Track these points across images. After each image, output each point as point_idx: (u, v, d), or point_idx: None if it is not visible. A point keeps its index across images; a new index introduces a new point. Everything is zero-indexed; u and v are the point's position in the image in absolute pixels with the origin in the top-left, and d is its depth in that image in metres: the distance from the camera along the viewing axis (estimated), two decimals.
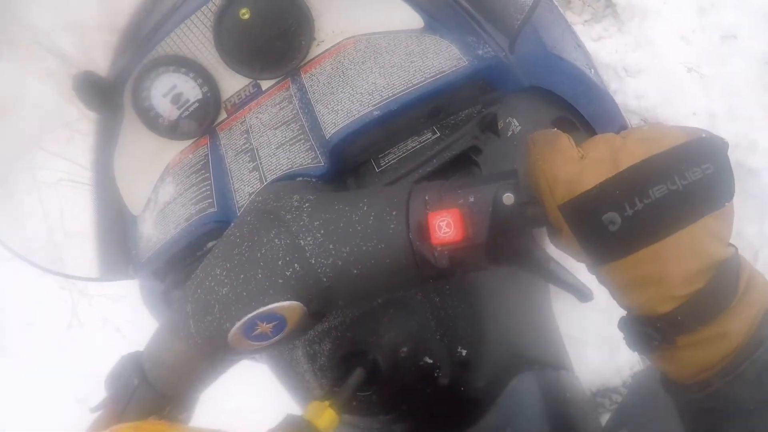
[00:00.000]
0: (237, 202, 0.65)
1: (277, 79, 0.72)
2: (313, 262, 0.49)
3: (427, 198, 0.48)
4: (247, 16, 0.70)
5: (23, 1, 0.71)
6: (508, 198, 0.46)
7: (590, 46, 1.75)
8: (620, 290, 0.46)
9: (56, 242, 0.79)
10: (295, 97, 0.68)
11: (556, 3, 1.80)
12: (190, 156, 0.73)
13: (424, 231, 0.47)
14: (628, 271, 0.44)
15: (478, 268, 0.51)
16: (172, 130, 0.75)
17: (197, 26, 0.70)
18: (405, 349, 0.62)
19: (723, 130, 1.62)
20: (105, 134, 0.76)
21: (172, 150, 0.76)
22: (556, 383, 0.74)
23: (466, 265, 0.49)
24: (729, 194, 0.44)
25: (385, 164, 0.63)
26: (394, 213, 0.49)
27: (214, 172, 0.69)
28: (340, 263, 0.49)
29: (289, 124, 0.67)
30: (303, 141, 0.64)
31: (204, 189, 0.68)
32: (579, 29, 1.78)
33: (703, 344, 0.43)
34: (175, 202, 0.70)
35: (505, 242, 0.48)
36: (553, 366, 0.76)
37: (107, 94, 0.72)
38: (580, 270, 0.50)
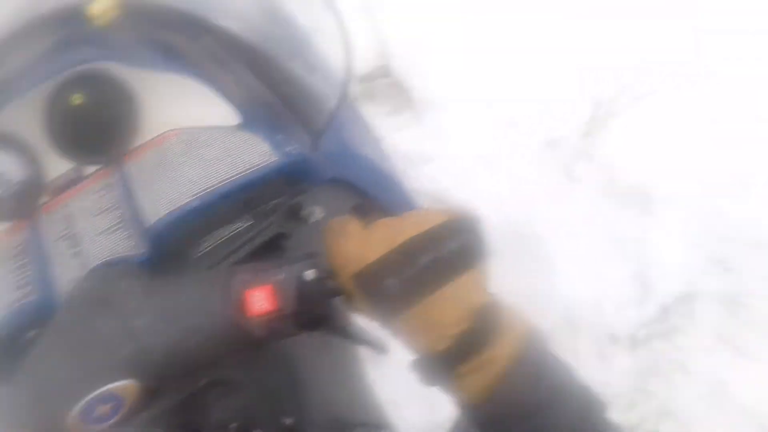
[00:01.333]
0: (58, 288, 0.64)
1: (101, 166, 0.73)
2: (144, 342, 0.53)
3: (243, 278, 0.56)
4: (78, 102, 0.71)
5: None
6: (310, 274, 0.57)
7: (392, 136, 1.87)
8: (407, 338, 0.57)
9: None
10: (118, 185, 0.70)
11: (361, 97, 1.95)
12: (8, 239, 0.71)
13: (242, 305, 0.55)
14: (410, 322, 0.55)
15: (292, 334, 0.58)
16: None
17: (28, 106, 0.71)
18: (234, 425, 0.65)
19: (508, 207, 1.76)
20: None
21: None
22: None
23: (280, 332, 0.57)
24: (482, 256, 0.58)
25: (203, 250, 0.68)
26: (216, 293, 0.56)
27: (33, 257, 0.68)
28: (170, 341, 0.54)
29: (111, 212, 0.68)
30: (124, 229, 0.66)
31: (23, 275, 0.67)
32: (381, 121, 1.92)
33: (478, 370, 0.54)
34: None
35: (311, 310, 0.58)
36: (375, 426, 0.81)
37: None
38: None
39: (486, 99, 1.92)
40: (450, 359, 0.55)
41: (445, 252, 0.55)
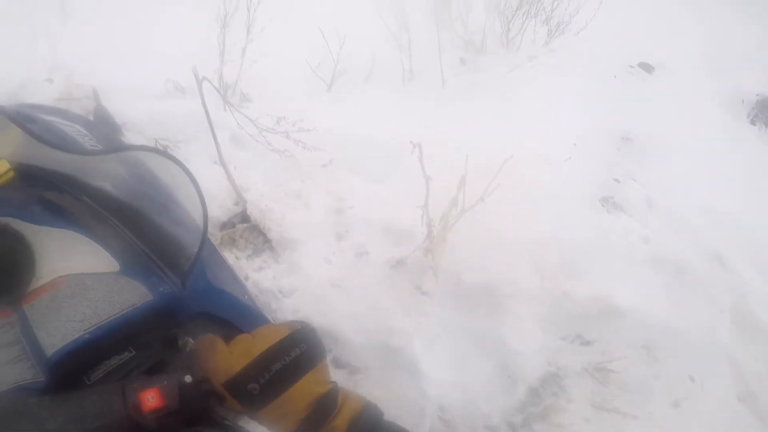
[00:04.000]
0: None
1: (0, 307, 0.83)
2: None
3: (136, 384, 0.71)
4: None
5: None
6: (188, 378, 0.73)
7: (253, 276, 2.02)
8: (269, 425, 0.76)
9: None
10: (17, 323, 0.80)
11: (223, 242, 2.09)
12: None
13: (138, 404, 0.68)
14: (270, 414, 0.74)
15: (178, 427, 0.72)
16: None
17: None
18: None
19: (367, 323, 1.93)
20: None
21: None
22: None
23: (169, 426, 0.71)
24: (320, 358, 0.78)
25: (95, 378, 0.79)
26: (115, 397, 0.69)
27: None
28: None
29: (12, 346, 0.77)
30: (25, 360, 0.76)
31: None
32: (244, 263, 2.06)
33: None
34: None
35: (193, 408, 0.73)
36: None
37: None
38: None
39: (336, 234, 2.13)
40: None
41: (291, 358, 0.75)
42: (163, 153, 0.97)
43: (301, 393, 0.75)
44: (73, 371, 0.78)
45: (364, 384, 1.90)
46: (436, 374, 1.94)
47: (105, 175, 1.03)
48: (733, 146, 3.34)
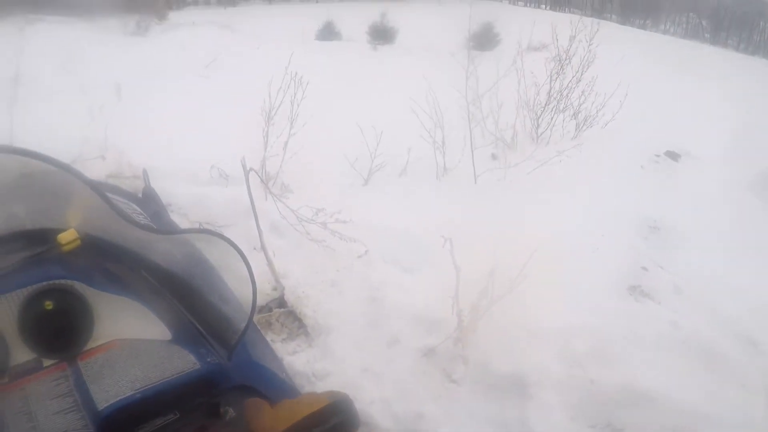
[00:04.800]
0: None
1: (57, 361, 0.92)
2: None
3: None
4: (49, 308, 0.92)
5: None
6: None
7: (287, 359, 2.09)
8: None
9: None
10: (72, 377, 0.88)
11: (260, 325, 2.18)
12: None
13: None
14: None
15: None
16: None
17: (4, 303, 0.89)
18: None
19: (396, 409, 1.96)
20: None
21: None
22: None
23: None
24: (355, 428, 0.82)
25: None
26: None
27: None
28: None
29: (65, 397, 0.85)
30: (76, 411, 0.83)
31: None
32: (278, 346, 2.15)
33: None
34: None
35: None
36: None
37: None
38: None
39: (369, 321, 2.21)
40: None
41: (329, 426, 0.80)
42: (222, 236, 1.06)
43: None
44: (121, 427, 0.83)
45: None
46: None
47: (162, 252, 1.13)
48: (761, 228, 3.34)
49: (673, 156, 4.35)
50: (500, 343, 2.23)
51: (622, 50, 6.98)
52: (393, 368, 2.05)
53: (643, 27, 16.80)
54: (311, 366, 2.07)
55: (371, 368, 2.04)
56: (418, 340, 2.15)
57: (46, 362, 0.94)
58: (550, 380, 2.11)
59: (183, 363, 0.93)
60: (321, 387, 2.01)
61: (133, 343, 0.97)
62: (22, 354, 0.93)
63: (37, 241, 1.01)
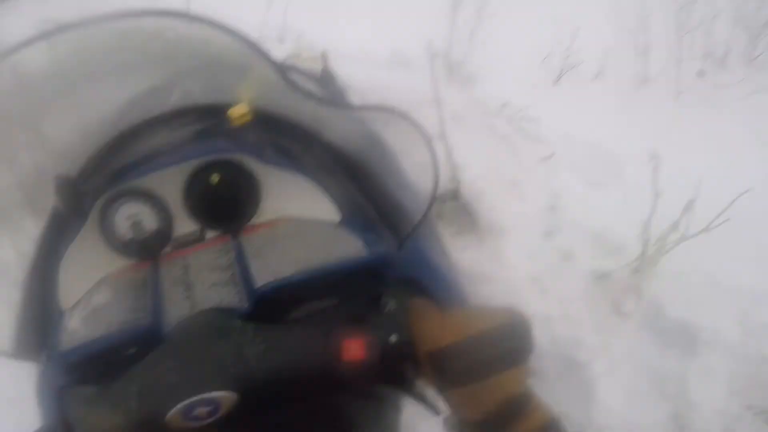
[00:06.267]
0: (166, 320, 0.79)
1: (221, 233, 0.92)
2: (252, 366, 0.69)
3: (343, 330, 0.73)
4: (215, 181, 0.90)
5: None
6: (394, 338, 0.73)
7: (455, 254, 2.05)
8: (455, 405, 0.74)
9: None
10: (234, 250, 0.87)
11: (432, 215, 2.16)
12: (132, 274, 0.88)
13: (339, 351, 0.71)
14: (461, 396, 0.72)
15: (370, 383, 0.74)
16: (123, 249, 0.88)
17: (173, 174, 0.90)
18: None
19: (556, 329, 1.88)
20: (63, 231, 0.88)
21: (116, 263, 0.89)
22: None
23: (362, 380, 0.72)
24: (528, 356, 0.73)
25: (295, 316, 0.82)
26: (319, 337, 0.72)
27: (151, 292, 0.84)
28: (274, 369, 0.70)
29: (224, 270, 0.84)
30: (233, 285, 0.82)
31: (139, 303, 0.82)
32: (447, 240, 2.11)
33: None
34: (110, 307, 0.83)
35: (389, 367, 0.73)
36: None
37: (80, 202, 0.85)
38: None
39: (545, 231, 2.10)
40: (480, 429, 0.73)
41: (501, 349, 0.71)
42: (407, 116, 0.96)
43: (499, 386, 0.71)
44: (277, 306, 0.80)
45: (537, 388, 1.86)
46: (609, 402, 1.86)
47: (338, 130, 1.03)
48: None
49: None
50: (678, 286, 2.05)
51: None
52: (562, 286, 1.96)
53: None
54: (478, 266, 2.03)
55: (540, 281, 1.97)
56: (594, 262, 2.03)
57: (209, 234, 0.92)
58: (722, 344, 1.95)
59: (349, 247, 0.85)
60: (485, 291, 1.98)
61: (299, 222, 0.91)
62: (186, 225, 0.91)
63: (209, 116, 0.96)
